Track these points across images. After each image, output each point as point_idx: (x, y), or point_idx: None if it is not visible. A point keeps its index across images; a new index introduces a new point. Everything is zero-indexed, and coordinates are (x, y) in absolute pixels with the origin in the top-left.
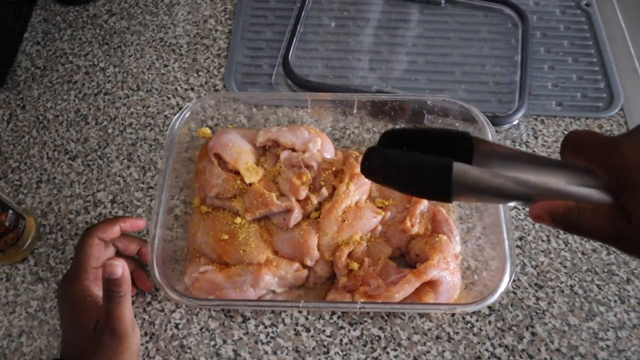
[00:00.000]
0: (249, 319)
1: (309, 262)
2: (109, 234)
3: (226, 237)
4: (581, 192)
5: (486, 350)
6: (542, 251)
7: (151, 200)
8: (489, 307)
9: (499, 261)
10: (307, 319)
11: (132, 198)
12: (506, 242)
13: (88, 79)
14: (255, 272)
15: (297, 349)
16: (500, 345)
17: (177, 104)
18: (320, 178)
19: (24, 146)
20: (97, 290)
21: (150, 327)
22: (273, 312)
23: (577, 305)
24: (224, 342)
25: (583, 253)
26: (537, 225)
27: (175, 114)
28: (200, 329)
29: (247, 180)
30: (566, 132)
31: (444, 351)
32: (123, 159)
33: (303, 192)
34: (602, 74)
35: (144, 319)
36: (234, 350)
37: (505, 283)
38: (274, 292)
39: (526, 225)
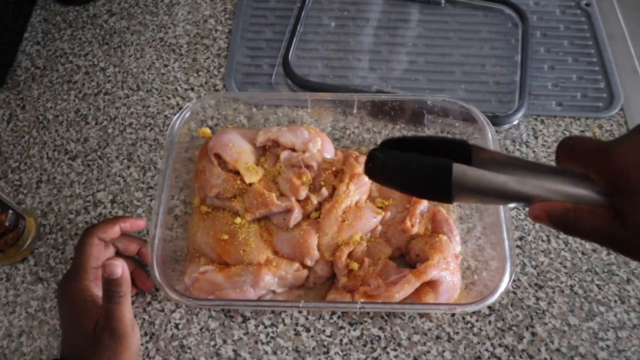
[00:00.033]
0: (249, 319)
1: (309, 262)
2: (109, 234)
3: (226, 237)
4: (579, 193)
5: (486, 350)
6: (542, 251)
7: (151, 200)
8: (489, 307)
9: (499, 261)
10: (307, 319)
11: (132, 198)
12: (506, 242)
13: (88, 79)
14: (255, 272)
15: (297, 349)
16: (500, 345)
17: (177, 104)
18: (320, 178)
19: (24, 146)
20: (97, 290)
21: (150, 327)
22: (273, 312)
23: (577, 305)
24: (224, 342)
25: (583, 253)
26: (537, 225)
27: (175, 114)
28: (200, 329)
29: (247, 180)
30: (566, 132)
31: (444, 351)
32: (123, 159)
33: (303, 192)
34: (602, 74)
35: (144, 319)
36: (234, 350)
37: (505, 283)
38: (274, 292)
39: (526, 225)
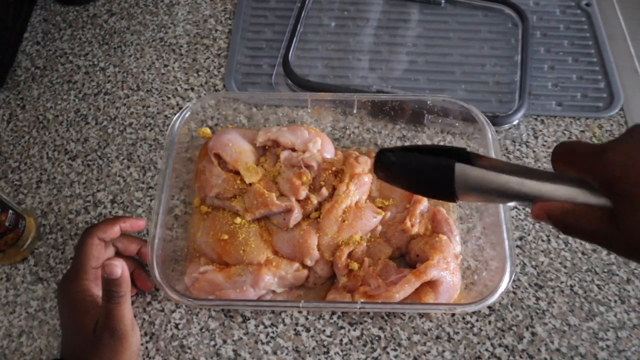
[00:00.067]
0: (249, 319)
1: (309, 262)
2: (109, 234)
3: (226, 237)
4: (575, 195)
5: (486, 350)
6: (542, 251)
7: (151, 200)
8: (489, 307)
9: (499, 261)
10: (307, 319)
11: (132, 198)
12: (506, 242)
13: (88, 79)
14: (255, 272)
15: (297, 349)
16: (500, 345)
17: (177, 104)
18: (320, 178)
19: (24, 146)
20: (97, 291)
21: (150, 327)
22: (273, 312)
23: (577, 305)
24: (224, 342)
25: (583, 253)
26: (537, 225)
27: (175, 114)
28: (200, 329)
29: (247, 180)
30: (566, 132)
31: (444, 351)
32: (123, 159)
33: (303, 192)
34: (602, 73)
35: (144, 319)
36: (234, 350)
37: (505, 283)
38: (274, 292)
39: (526, 225)
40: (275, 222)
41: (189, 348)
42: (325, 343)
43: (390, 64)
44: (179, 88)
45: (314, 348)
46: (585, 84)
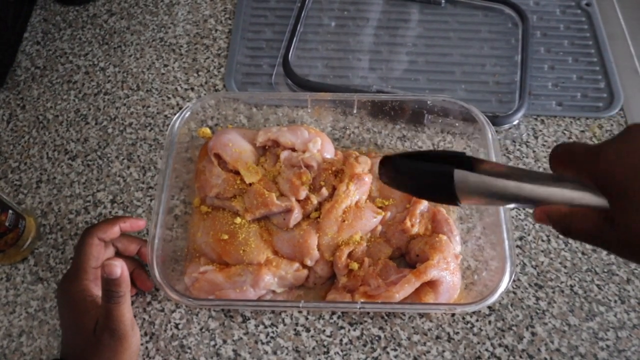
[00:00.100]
0: (249, 319)
1: (309, 262)
2: (109, 234)
3: (226, 237)
4: (573, 197)
5: (486, 350)
6: (542, 251)
7: (151, 200)
8: (489, 307)
9: (499, 261)
10: (307, 319)
11: (132, 198)
12: (506, 242)
13: (88, 79)
14: (255, 272)
15: (297, 349)
16: (500, 345)
17: (177, 104)
18: (320, 178)
19: (24, 146)
20: (97, 291)
21: (150, 327)
22: (273, 312)
23: (577, 305)
24: (224, 342)
25: (583, 253)
26: (537, 225)
27: (175, 114)
28: (200, 329)
29: (247, 180)
30: (566, 132)
31: (444, 351)
32: (123, 159)
33: (303, 192)
34: (602, 73)
35: (144, 319)
36: (234, 350)
37: (505, 283)
38: (274, 292)
39: (526, 225)
40: (275, 222)
41: (189, 348)
42: (325, 343)
43: (390, 64)
44: (179, 88)
45: (314, 348)
46: (586, 84)
